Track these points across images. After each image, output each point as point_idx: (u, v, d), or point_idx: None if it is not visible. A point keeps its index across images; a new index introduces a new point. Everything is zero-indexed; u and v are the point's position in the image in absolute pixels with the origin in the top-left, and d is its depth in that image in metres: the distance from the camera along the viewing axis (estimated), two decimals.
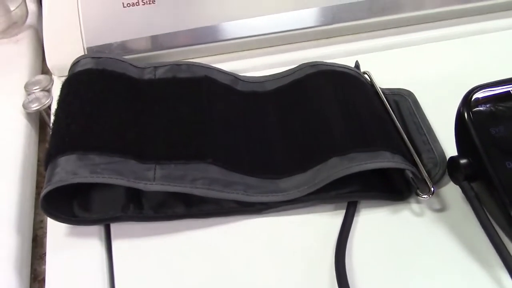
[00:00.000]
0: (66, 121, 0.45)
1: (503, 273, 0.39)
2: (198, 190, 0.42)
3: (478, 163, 0.41)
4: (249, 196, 0.43)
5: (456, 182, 0.43)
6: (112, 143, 0.43)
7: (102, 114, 0.45)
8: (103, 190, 0.44)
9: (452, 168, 0.43)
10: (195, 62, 0.52)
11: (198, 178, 0.42)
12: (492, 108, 0.42)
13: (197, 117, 0.47)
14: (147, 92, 0.49)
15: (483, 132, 0.41)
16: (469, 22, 0.61)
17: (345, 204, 0.44)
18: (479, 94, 0.43)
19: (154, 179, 0.42)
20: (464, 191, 0.42)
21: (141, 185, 0.41)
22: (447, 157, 0.46)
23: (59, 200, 0.42)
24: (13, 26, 0.65)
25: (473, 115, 0.42)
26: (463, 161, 0.42)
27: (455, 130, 0.44)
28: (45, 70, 0.64)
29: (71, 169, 0.41)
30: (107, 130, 0.44)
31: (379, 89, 0.52)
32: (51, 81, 0.57)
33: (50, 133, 0.45)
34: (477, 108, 0.42)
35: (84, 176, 0.40)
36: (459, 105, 0.43)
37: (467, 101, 0.43)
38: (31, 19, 0.67)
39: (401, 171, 0.44)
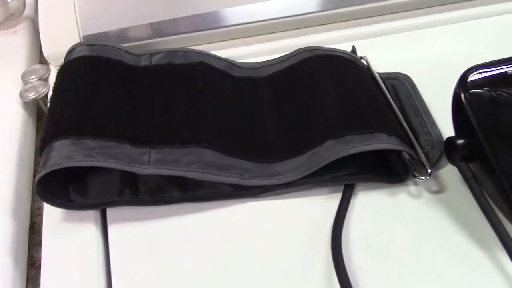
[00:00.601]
0: (60, 107, 0.45)
1: (502, 254, 0.38)
2: (194, 174, 0.42)
3: (475, 143, 0.41)
4: (245, 179, 0.43)
5: (453, 163, 0.43)
6: (106, 127, 0.43)
7: (96, 100, 0.45)
8: (99, 175, 0.44)
9: (449, 149, 0.43)
10: (192, 49, 0.52)
11: (193, 162, 0.42)
12: (488, 88, 0.42)
13: (192, 102, 0.47)
14: (142, 78, 0.49)
15: (480, 112, 0.41)
16: (466, 7, 0.60)
17: (342, 187, 0.44)
18: (475, 75, 0.43)
19: (149, 163, 0.42)
20: (461, 171, 0.42)
21: (136, 169, 0.41)
22: (444, 139, 0.46)
23: (55, 185, 0.42)
24: (11, 18, 0.65)
25: (470, 95, 0.42)
26: (460, 141, 0.42)
27: (452, 111, 0.43)
28: (42, 61, 0.64)
29: (65, 153, 0.41)
30: (101, 115, 0.44)
31: (375, 73, 0.52)
32: (48, 70, 0.57)
33: (45, 119, 0.45)
34: (474, 88, 0.42)
35: (79, 160, 0.40)
36: (456, 85, 0.43)
37: (463, 81, 0.43)
38: (28, 11, 0.67)
39: (398, 153, 0.43)
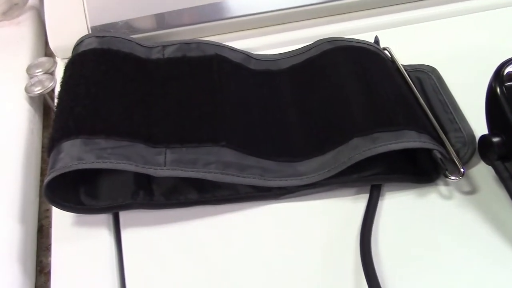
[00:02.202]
0: (70, 104, 0.42)
1: None
2: (212, 175, 0.39)
3: None
4: (266, 180, 0.41)
5: (488, 162, 0.41)
6: (119, 126, 0.41)
7: (108, 96, 0.43)
8: (111, 176, 0.42)
9: (484, 148, 0.41)
10: (205, 40, 0.50)
11: (211, 162, 0.40)
12: None
13: (209, 98, 0.44)
14: (155, 72, 0.46)
15: None
16: None
17: (368, 188, 0.42)
18: (511, 68, 0.40)
19: (164, 164, 0.39)
20: (497, 171, 0.40)
21: (151, 171, 0.39)
22: (476, 136, 0.44)
23: (64, 188, 0.40)
24: (14, 8, 0.62)
25: (506, 90, 0.40)
26: (496, 139, 0.39)
27: (486, 106, 0.41)
28: (48, 53, 0.61)
29: (76, 155, 0.38)
30: (113, 113, 0.42)
31: (400, 65, 0.49)
32: (55, 63, 0.55)
33: (54, 116, 0.43)
34: (510, 83, 0.40)
35: (90, 162, 0.38)
36: (491, 79, 0.41)
37: (499, 75, 0.40)
38: (32, 1, 0.65)
39: (428, 151, 0.41)
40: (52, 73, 0.54)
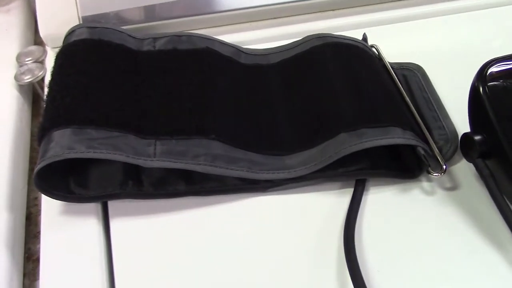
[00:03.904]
0: (61, 93, 0.42)
1: None
2: (201, 167, 0.40)
3: (493, 139, 0.39)
4: (254, 173, 0.41)
5: (469, 159, 0.42)
6: (110, 117, 0.41)
7: (99, 87, 0.43)
8: (101, 165, 0.42)
9: (465, 145, 0.42)
10: (196, 33, 0.50)
11: (201, 154, 0.40)
12: (508, 82, 0.41)
13: (199, 90, 0.45)
14: (146, 64, 0.47)
15: (499, 107, 0.40)
16: None
17: (353, 182, 0.43)
18: (494, 68, 0.41)
19: (154, 155, 0.40)
20: (478, 169, 0.40)
21: (140, 161, 0.39)
22: (459, 134, 0.45)
23: (54, 176, 0.40)
24: None
25: (489, 90, 0.40)
26: (477, 137, 0.40)
27: (468, 105, 0.42)
28: (37, 41, 0.61)
29: (66, 144, 0.39)
30: (104, 103, 0.42)
31: (387, 62, 0.50)
32: (45, 52, 0.55)
33: (44, 106, 0.43)
34: (493, 82, 0.41)
35: (81, 151, 0.38)
36: (474, 79, 0.41)
37: (482, 75, 0.41)
38: None
39: (411, 147, 0.42)
40: (42, 62, 0.54)
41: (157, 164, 0.39)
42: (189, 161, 0.40)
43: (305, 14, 0.57)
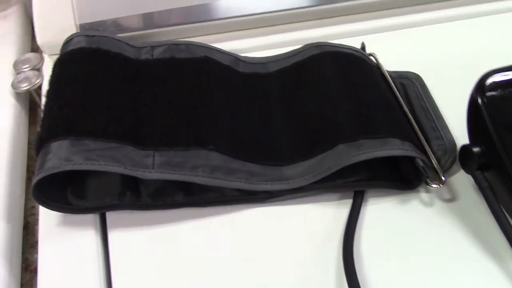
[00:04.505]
0: (58, 103, 0.42)
1: None
2: (199, 178, 0.40)
3: (492, 151, 0.39)
4: (252, 184, 0.41)
5: (468, 171, 0.42)
6: (108, 127, 0.41)
7: (97, 97, 0.43)
8: (99, 176, 0.42)
9: (464, 157, 0.42)
10: (194, 42, 0.50)
11: (199, 166, 0.40)
12: (507, 93, 0.41)
13: (197, 100, 0.45)
14: (144, 73, 0.46)
15: (498, 119, 0.40)
16: (479, 2, 0.58)
17: (352, 193, 0.43)
18: (493, 79, 0.41)
19: (153, 167, 0.40)
20: (477, 181, 0.40)
21: (139, 173, 0.39)
22: (457, 144, 0.45)
23: (52, 187, 0.40)
24: (1, 1, 0.62)
25: (487, 101, 0.40)
26: (476, 149, 0.40)
27: (467, 116, 0.42)
28: (34, 48, 0.61)
29: (64, 155, 0.38)
30: (102, 114, 0.42)
31: (385, 72, 0.50)
32: (42, 59, 0.55)
33: (42, 115, 0.43)
34: (491, 94, 0.41)
35: (79, 163, 0.38)
36: (472, 90, 0.41)
37: (481, 86, 0.41)
38: None
39: (410, 158, 0.42)
40: (39, 69, 0.54)
41: (156, 176, 0.39)
42: (187, 173, 0.40)
43: (303, 21, 0.57)
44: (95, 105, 0.42)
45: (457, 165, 0.44)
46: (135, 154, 0.40)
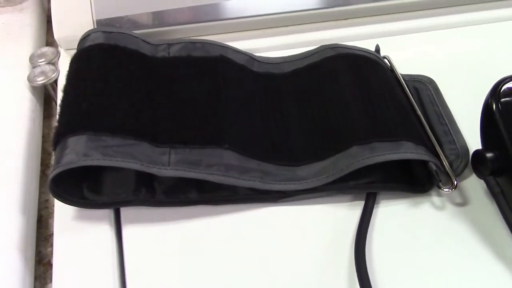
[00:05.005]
0: (76, 98, 0.43)
1: None
2: (214, 177, 0.40)
3: (505, 157, 0.40)
4: (266, 184, 0.42)
5: (480, 176, 0.42)
6: (125, 124, 0.41)
7: (114, 93, 0.43)
8: (114, 172, 0.42)
9: (477, 162, 0.42)
10: (210, 40, 0.50)
11: (214, 164, 0.41)
12: None
13: (213, 99, 0.45)
14: (161, 70, 0.47)
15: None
16: (495, 7, 0.58)
17: (364, 195, 0.43)
18: (508, 85, 0.41)
19: (168, 164, 0.40)
20: (489, 186, 0.41)
21: (155, 170, 0.39)
22: (470, 149, 0.45)
23: (68, 182, 0.41)
24: None
25: (502, 107, 0.40)
26: (489, 154, 0.41)
27: (481, 121, 0.42)
28: (49, 41, 0.61)
29: (81, 151, 0.39)
30: (120, 110, 0.42)
31: (399, 75, 0.50)
32: (58, 53, 0.55)
33: (59, 110, 0.43)
34: (506, 100, 0.41)
35: (96, 159, 0.39)
36: (487, 96, 0.42)
37: (496, 92, 0.41)
38: None
39: (423, 162, 0.42)
40: (54, 64, 0.54)
41: (171, 173, 0.40)
42: (202, 171, 0.40)
43: (318, 22, 0.57)
44: (112, 101, 0.43)
45: (469, 169, 0.44)
46: (151, 151, 0.40)
